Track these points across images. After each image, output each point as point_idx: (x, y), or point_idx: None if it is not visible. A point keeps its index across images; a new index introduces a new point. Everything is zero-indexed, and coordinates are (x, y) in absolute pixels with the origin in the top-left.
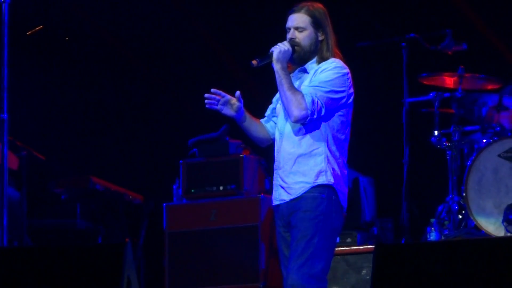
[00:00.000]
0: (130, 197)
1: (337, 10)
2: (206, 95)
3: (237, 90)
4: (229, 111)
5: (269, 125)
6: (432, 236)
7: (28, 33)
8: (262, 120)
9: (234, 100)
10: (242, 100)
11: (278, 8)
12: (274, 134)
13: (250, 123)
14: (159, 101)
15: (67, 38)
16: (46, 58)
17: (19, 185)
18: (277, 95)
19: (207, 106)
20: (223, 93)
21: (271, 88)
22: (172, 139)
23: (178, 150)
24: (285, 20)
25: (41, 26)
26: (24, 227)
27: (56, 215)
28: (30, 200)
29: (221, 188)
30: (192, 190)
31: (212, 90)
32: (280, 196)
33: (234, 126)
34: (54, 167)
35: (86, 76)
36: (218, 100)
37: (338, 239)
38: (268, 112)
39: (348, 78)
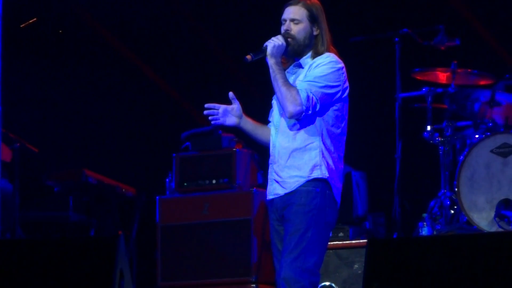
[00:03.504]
0: (123, 190)
1: (330, 4)
2: (205, 112)
3: (232, 83)
4: (232, 120)
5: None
6: (424, 231)
7: (21, 26)
8: (268, 125)
9: (231, 107)
10: (238, 101)
11: (273, 2)
12: None
13: (255, 127)
14: (152, 94)
15: (60, 31)
16: (39, 51)
17: (12, 178)
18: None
19: (212, 122)
20: (217, 105)
21: (266, 84)
22: (165, 133)
23: (171, 143)
24: (281, 13)
25: (35, 19)
26: (16, 219)
27: (49, 207)
28: (23, 192)
29: (213, 181)
30: (185, 184)
31: (206, 105)
32: (274, 190)
33: None
34: (47, 160)
35: (79, 69)
36: (218, 113)
37: (330, 234)
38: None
39: (343, 73)
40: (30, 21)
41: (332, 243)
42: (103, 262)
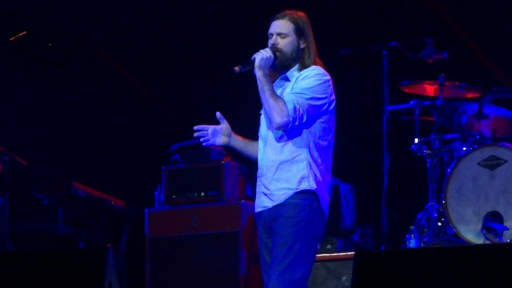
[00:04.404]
0: (112, 202)
1: (319, 18)
2: (195, 134)
3: (221, 96)
4: (221, 139)
5: None
6: (412, 243)
7: (11, 39)
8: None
9: (220, 126)
10: (226, 121)
11: (261, 15)
12: None
13: (245, 144)
14: (141, 107)
15: (50, 44)
16: (29, 64)
17: (2, 190)
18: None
19: (203, 144)
20: (206, 126)
21: (255, 97)
22: (154, 145)
23: (160, 156)
24: (267, 27)
25: (24, 32)
26: (6, 232)
27: (38, 220)
28: (13, 204)
29: (202, 194)
30: (174, 196)
31: (195, 127)
32: (262, 203)
33: None
34: (37, 172)
35: (69, 82)
36: (207, 134)
37: (318, 246)
38: None
39: (329, 85)
40: (20, 34)
41: (320, 255)
42: (92, 274)
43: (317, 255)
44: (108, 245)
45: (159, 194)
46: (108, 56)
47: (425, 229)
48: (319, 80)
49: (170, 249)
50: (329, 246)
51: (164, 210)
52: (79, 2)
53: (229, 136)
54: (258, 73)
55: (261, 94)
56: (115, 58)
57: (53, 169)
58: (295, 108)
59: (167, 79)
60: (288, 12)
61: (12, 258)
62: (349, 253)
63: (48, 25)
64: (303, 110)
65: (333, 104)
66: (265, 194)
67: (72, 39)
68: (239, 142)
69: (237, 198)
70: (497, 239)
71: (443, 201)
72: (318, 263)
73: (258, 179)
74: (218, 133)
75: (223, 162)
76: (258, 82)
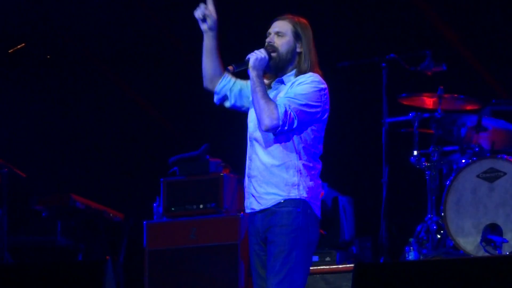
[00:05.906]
0: (111, 214)
1: (318, 30)
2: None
3: (219, 108)
4: (205, 24)
5: (225, 81)
6: (411, 256)
7: (10, 51)
8: (226, 72)
9: (208, 11)
10: (215, 16)
11: (258, 23)
12: (221, 95)
13: (213, 52)
14: (140, 119)
15: (48, 56)
16: (27, 76)
17: (0, 203)
18: (249, 82)
19: (194, 12)
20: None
21: None
22: (153, 157)
23: (159, 168)
24: (267, 27)
25: (23, 44)
26: (4, 244)
27: (37, 232)
28: (11, 217)
29: (201, 206)
30: (173, 208)
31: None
32: (251, 205)
33: (214, 145)
34: (35, 185)
35: (67, 94)
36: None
37: (317, 258)
38: (234, 79)
39: (325, 94)
40: (19, 46)
41: (318, 267)
42: (90, 286)
43: (316, 267)
44: (107, 257)
45: (157, 206)
46: (106, 68)
47: (424, 242)
48: (315, 87)
49: (169, 261)
50: (328, 259)
51: (162, 222)
52: (76, 15)
53: (212, 29)
54: (252, 74)
55: (253, 95)
56: (113, 70)
57: (51, 181)
58: (286, 112)
59: (166, 91)
60: (290, 15)
61: (10, 270)
62: (348, 265)
63: (46, 37)
64: (294, 115)
65: (327, 114)
66: (253, 196)
67: (70, 51)
68: (211, 43)
69: (235, 210)
70: (496, 251)
71: (442, 214)
72: (317, 275)
73: (247, 179)
74: (207, 16)
75: (222, 174)
76: (251, 82)
